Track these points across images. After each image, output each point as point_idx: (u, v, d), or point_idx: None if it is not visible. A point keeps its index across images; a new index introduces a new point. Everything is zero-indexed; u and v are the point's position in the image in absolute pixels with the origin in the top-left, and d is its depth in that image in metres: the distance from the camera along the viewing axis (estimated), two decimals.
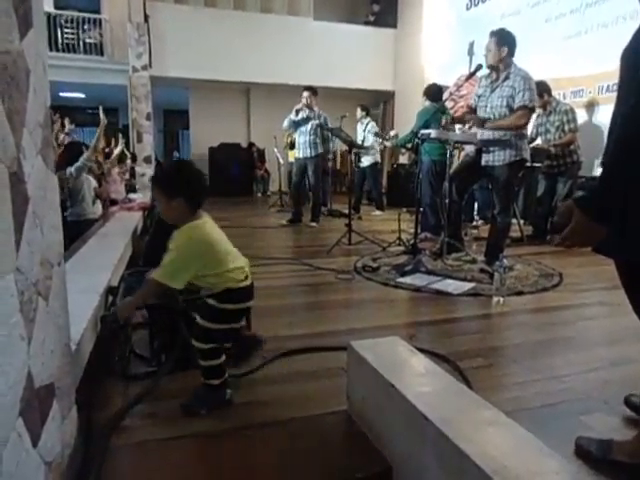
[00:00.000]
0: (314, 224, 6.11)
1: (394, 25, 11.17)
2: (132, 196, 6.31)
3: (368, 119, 7.45)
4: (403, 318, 2.81)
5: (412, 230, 4.26)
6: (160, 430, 1.55)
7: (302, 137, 6.02)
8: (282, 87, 9.98)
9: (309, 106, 5.96)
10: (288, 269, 3.85)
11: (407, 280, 3.42)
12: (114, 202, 5.61)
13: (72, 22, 9.90)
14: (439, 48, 9.39)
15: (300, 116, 5.95)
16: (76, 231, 3.80)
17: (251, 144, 11.51)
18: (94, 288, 2.15)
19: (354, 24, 11.02)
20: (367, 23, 11.42)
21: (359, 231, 4.93)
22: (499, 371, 2.05)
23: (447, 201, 3.89)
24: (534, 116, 4.67)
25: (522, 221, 5.52)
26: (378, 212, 7.39)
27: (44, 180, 1.20)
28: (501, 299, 2.96)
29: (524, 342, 2.37)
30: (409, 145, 5.40)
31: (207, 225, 1.71)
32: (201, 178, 1.75)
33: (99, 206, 4.82)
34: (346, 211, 5.36)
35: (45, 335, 1.14)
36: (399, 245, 4.50)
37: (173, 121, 14.46)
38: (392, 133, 8.41)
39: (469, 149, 4.73)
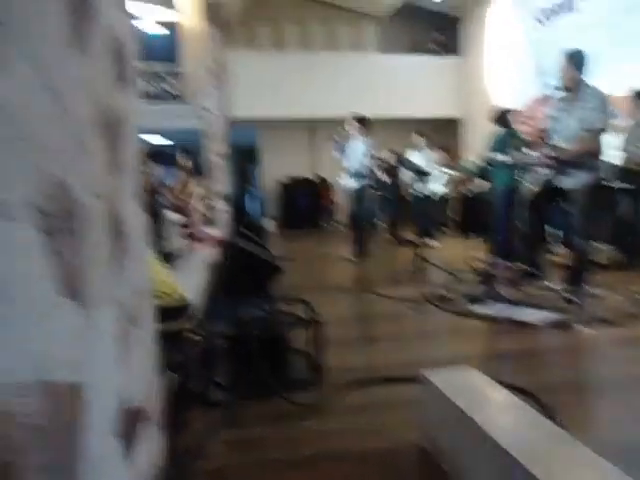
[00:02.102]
0: (351, 257, 6.00)
1: (457, 52, 11.15)
2: (209, 230, 6.65)
3: (425, 147, 7.33)
4: (478, 349, 2.70)
5: (486, 257, 4.12)
6: (238, 456, 1.60)
7: (351, 166, 6.03)
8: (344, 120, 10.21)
9: (351, 135, 5.96)
10: (358, 299, 3.85)
11: (482, 309, 3.30)
12: (193, 237, 5.94)
13: (155, 74, 10.85)
14: (506, 71, 9.22)
15: (340, 147, 6.01)
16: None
17: (318, 177, 11.79)
18: None
19: (418, 54, 11.13)
20: (430, 52, 11.49)
21: (429, 259, 4.84)
22: (587, 407, 1.90)
23: (523, 227, 3.74)
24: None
25: (608, 246, 5.15)
26: (432, 241, 7.13)
27: (136, 218, 1.32)
28: (587, 330, 2.77)
29: (614, 376, 2.19)
30: (479, 171, 5.28)
31: None
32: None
33: (179, 239, 5.13)
34: (415, 239, 5.31)
35: (135, 360, 1.23)
36: (472, 273, 4.36)
37: (245, 158, 15.20)
38: (463, 162, 8.25)
39: (543, 173, 4.54)
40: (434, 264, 4.75)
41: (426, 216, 7.02)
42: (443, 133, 11.95)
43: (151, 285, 1.66)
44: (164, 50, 10.96)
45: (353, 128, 5.96)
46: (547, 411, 1.79)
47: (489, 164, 3.93)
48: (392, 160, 8.16)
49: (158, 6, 10.08)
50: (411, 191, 7.22)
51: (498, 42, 9.56)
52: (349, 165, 5.95)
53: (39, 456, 0.64)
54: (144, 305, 1.36)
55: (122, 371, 1.10)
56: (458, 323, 3.09)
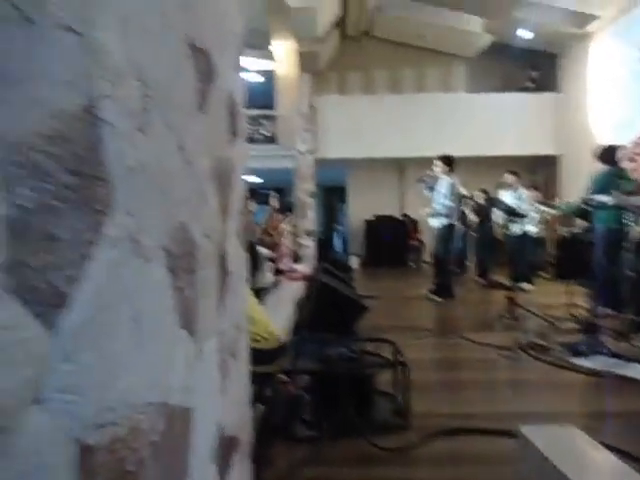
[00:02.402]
0: (434, 297, 5.79)
1: (554, 89, 10.74)
2: (296, 266, 6.85)
3: (519, 186, 7.01)
4: (580, 406, 2.48)
5: (587, 305, 3.82)
6: None
7: (434, 206, 5.97)
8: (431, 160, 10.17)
9: (437, 175, 5.94)
10: (445, 343, 3.73)
11: (584, 362, 3.03)
12: (281, 272, 6.16)
13: (252, 118, 11.66)
14: (610, 107, 8.68)
15: (430, 186, 6.03)
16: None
17: (405, 215, 11.74)
18: None
19: (510, 92, 10.89)
20: (524, 89, 11.18)
21: (523, 304, 4.57)
22: None
23: (631, 272, 3.43)
24: None
25: None
26: (526, 285, 6.67)
27: (239, 257, 1.44)
28: None
29: None
30: (579, 212, 4.96)
31: None
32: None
33: (269, 276, 5.35)
34: (507, 282, 5.05)
35: (233, 391, 1.31)
36: (572, 321, 4.04)
37: (332, 196, 15.59)
38: (558, 201, 7.80)
39: None
40: (529, 309, 4.47)
41: (520, 258, 6.66)
42: (538, 171, 11.43)
43: (248, 324, 1.74)
44: (261, 96, 11.79)
45: (438, 168, 5.94)
46: None
47: (589, 204, 3.69)
48: (481, 199, 7.93)
49: (256, 58, 10.94)
50: (504, 231, 6.92)
51: (600, 76, 9.08)
52: (434, 204, 5.92)
53: (154, 471, 0.72)
54: (241, 338, 1.45)
55: (222, 400, 1.18)
56: (556, 375, 2.86)
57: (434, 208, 5.90)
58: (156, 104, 0.73)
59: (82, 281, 0.50)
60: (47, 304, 0.44)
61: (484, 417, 2.20)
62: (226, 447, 1.23)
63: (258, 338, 1.80)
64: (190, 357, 0.90)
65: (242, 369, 1.46)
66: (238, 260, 1.45)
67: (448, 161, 6.00)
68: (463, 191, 8.41)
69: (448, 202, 5.79)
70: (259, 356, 1.68)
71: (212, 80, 1.10)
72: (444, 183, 5.89)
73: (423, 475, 1.73)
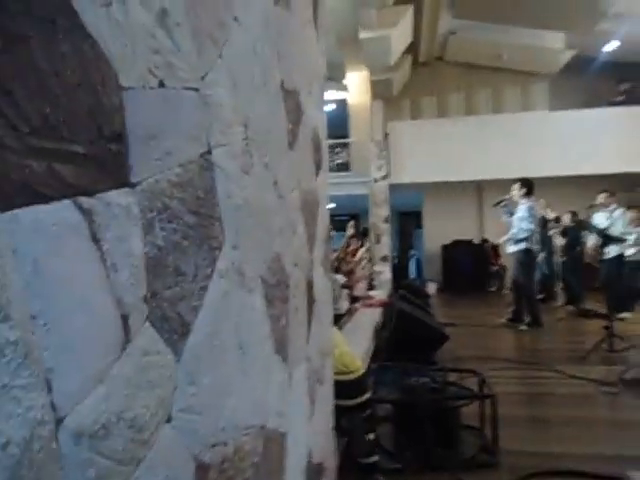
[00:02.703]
0: (522, 327, 5.46)
1: None
2: (372, 293, 6.81)
3: (615, 205, 6.48)
4: None
5: None
6: None
7: (513, 231, 5.70)
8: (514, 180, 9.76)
9: (513, 199, 5.72)
10: (535, 375, 3.50)
11: None
12: (356, 299, 6.15)
13: (328, 147, 11.98)
14: None
15: (509, 211, 5.84)
16: None
17: (484, 240, 11.30)
18: None
19: (597, 107, 10.26)
20: (613, 104, 10.48)
21: (623, 335, 4.19)
22: None
23: None
24: None
25: None
26: (625, 314, 6.06)
27: (324, 284, 1.48)
28: None
29: None
30: None
31: None
32: None
33: (345, 302, 5.37)
34: (602, 310, 4.67)
35: (320, 417, 1.34)
36: None
37: (408, 222, 15.42)
38: None
39: None
40: (632, 342, 4.09)
41: (617, 284, 6.12)
42: (633, 190, 10.56)
43: (334, 357, 1.75)
44: (336, 125, 12.09)
45: (515, 191, 5.78)
46: None
47: None
48: (568, 221, 7.46)
49: (331, 90, 11.27)
50: (597, 256, 6.42)
51: None
52: (513, 229, 5.70)
53: None
54: (326, 365, 1.48)
55: (310, 425, 1.20)
56: None
57: (513, 233, 5.68)
58: (256, 146, 0.80)
59: (201, 311, 0.55)
60: (175, 332, 0.50)
61: (580, 458, 2.03)
62: (314, 473, 1.25)
63: (344, 370, 1.78)
64: (284, 382, 0.94)
65: (327, 395, 1.49)
66: (323, 288, 1.49)
67: (526, 184, 5.80)
68: (548, 214, 7.97)
69: (526, 225, 5.54)
70: (342, 389, 1.67)
71: (300, 119, 1.17)
72: (522, 207, 5.68)
73: None
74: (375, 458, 1.89)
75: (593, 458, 2.04)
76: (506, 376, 3.35)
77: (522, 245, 5.57)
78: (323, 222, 1.51)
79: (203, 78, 0.59)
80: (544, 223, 8.50)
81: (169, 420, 0.48)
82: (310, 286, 1.26)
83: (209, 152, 0.60)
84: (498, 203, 6.18)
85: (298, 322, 1.07)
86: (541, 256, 8.11)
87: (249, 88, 0.76)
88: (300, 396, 1.09)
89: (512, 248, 5.71)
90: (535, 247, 5.80)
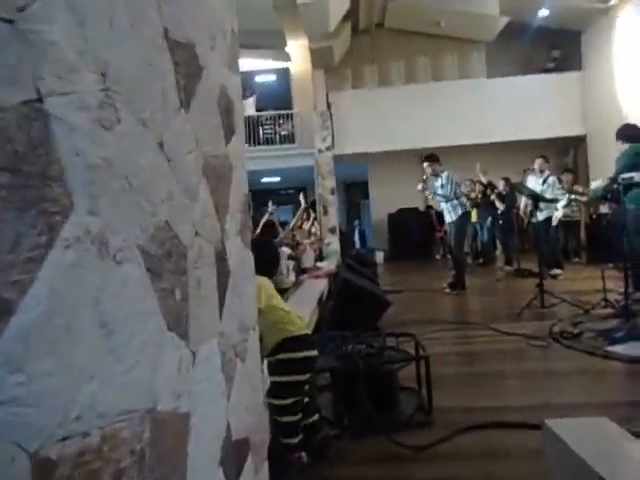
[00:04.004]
0: (448, 290, 5.67)
1: (578, 67, 10.37)
2: (320, 264, 6.81)
3: (548, 172, 6.76)
4: (614, 395, 2.36)
5: (622, 290, 3.65)
6: None
7: (442, 205, 5.93)
8: (458, 148, 9.95)
9: (435, 173, 5.90)
10: (472, 334, 3.62)
11: (619, 349, 2.89)
12: (304, 270, 6.14)
13: (270, 119, 11.69)
14: (638, 81, 8.32)
15: (426, 191, 6.20)
16: None
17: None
18: None
19: (531, 74, 10.56)
20: (546, 70, 10.83)
21: (554, 291, 4.41)
22: None
23: None
24: None
25: None
26: (557, 271, 6.43)
27: (242, 256, 1.41)
28: None
29: None
30: (609, 195, 4.74)
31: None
32: (270, 255, 2.05)
33: (292, 275, 5.33)
34: (536, 270, 4.89)
35: (241, 393, 1.28)
36: (606, 307, 3.88)
37: (354, 193, 15.51)
38: (594, 185, 7.48)
39: None
40: (560, 297, 4.32)
41: (548, 244, 6.43)
42: (566, 153, 11.06)
43: (282, 314, 1.78)
44: (279, 98, 11.81)
45: (429, 169, 5.99)
46: None
47: (619, 184, 3.52)
48: (502, 187, 7.72)
49: (270, 60, 10.95)
50: (531, 219, 6.70)
51: (626, 51, 8.72)
52: (446, 205, 5.91)
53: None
54: (250, 340, 1.42)
55: (229, 403, 1.15)
56: (590, 364, 2.74)
57: (447, 208, 5.84)
58: (124, 99, 0.70)
59: (31, 286, 0.47)
60: None
61: (512, 410, 2.12)
62: (235, 450, 1.21)
63: (295, 321, 1.83)
64: (182, 361, 0.87)
65: (252, 371, 1.44)
66: (243, 260, 1.42)
67: (433, 158, 6.00)
68: (481, 178, 8.28)
69: (452, 192, 5.75)
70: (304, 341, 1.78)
71: (197, 75, 1.07)
72: (443, 180, 5.85)
73: (448, 472, 1.67)
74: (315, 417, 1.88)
75: (522, 409, 2.13)
76: (444, 337, 3.45)
77: (458, 211, 5.74)
78: (239, 190, 1.42)
79: (22, 10, 0.49)
80: (485, 189, 8.77)
81: None
82: (221, 257, 1.18)
83: (39, 100, 0.51)
84: (423, 189, 6.35)
85: (202, 296, 0.99)
86: (488, 221, 8.40)
87: (106, 30, 0.66)
88: (211, 373, 1.03)
89: (449, 217, 5.86)
90: (468, 208, 6.01)
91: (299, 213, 5.33)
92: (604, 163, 8.95)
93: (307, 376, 1.77)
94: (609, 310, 3.77)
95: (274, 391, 1.74)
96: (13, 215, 0.45)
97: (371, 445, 1.90)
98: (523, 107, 9.95)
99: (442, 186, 5.83)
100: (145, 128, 0.77)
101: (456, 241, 5.86)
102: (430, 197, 6.33)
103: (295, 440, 1.70)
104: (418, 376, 2.39)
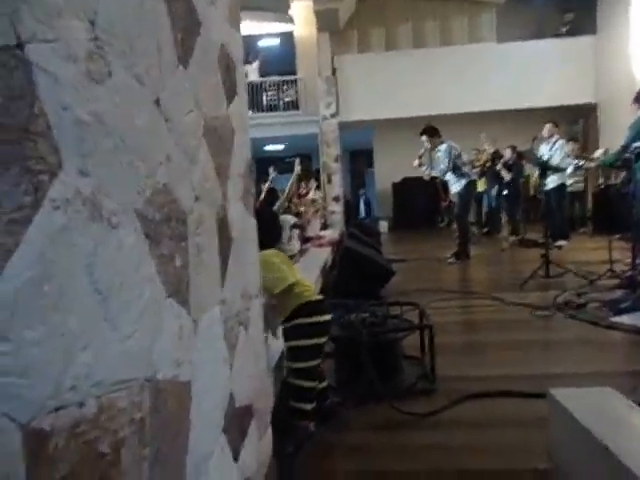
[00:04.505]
0: (451, 259, 5.66)
1: (592, 32, 10.00)
2: (323, 233, 6.79)
3: (556, 137, 6.58)
4: (619, 365, 2.35)
5: (629, 260, 3.61)
6: (345, 461, 1.58)
7: (447, 175, 5.83)
8: (466, 116, 9.74)
9: (434, 147, 5.79)
10: (476, 304, 3.62)
11: (625, 320, 2.88)
12: (308, 239, 6.11)
13: (274, 86, 11.44)
14: None
15: (423, 167, 6.09)
16: None
17: (434, 177, 11.40)
18: None
19: (543, 39, 10.22)
20: (558, 35, 10.46)
21: (559, 262, 4.38)
22: None
23: None
24: None
25: None
26: (562, 242, 6.36)
27: (244, 223, 1.37)
28: None
29: None
30: (619, 163, 4.64)
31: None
32: (272, 223, 2.02)
33: (296, 243, 5.31)
34: (542, 240, 4.84)
35: (245, 360, 1.27)
36: (612, 278, 3.85)
37: (359, 161, 15.33)
38: (598, 153, 7.34)
39: None
40: (565, 267, 4.28)
41: (556, 214, 6.35)
42: (575, 123, 10.82)
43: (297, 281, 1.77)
44: (281, 62, 11.51)
45: (427, 143, 5.87)
46: None
47: (631, 152, 3.43)
48: (509, 155, 7.57)
49: (273, 22, 10.61)
50: (538, 187, 6.60)
51: None
52: (447, 178, 5.83)
53: (144, 450, 0.67)
54: (252, 307, 1.40)
55: (231, 371, 1.14)
56: (595, 334, 2.73)
57: (452, 179, 5.76)
58: (116, 52, 0.65)
59: (15, 250, 0.44)
60: None
61: (515, 380, 2.12)
62: (239, 417, 1.20)
63: (307, 288, 1.82)
64: (183, 329, 0.85)
65: (255, 338, 1.42)
66: (245, 226, 1.39)
67: (432, 131, 5.85)
68: (484, 147, 8.12)
69: (449, 167, 5.65)
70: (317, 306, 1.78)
71: (195, 31, 1.01)
72: (442, 150, 5.73)
73: (450, 439, 1.68)
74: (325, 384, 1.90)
75: (525, 378, 2.13)
76: (448, 306, 3.45)
77: (462, 182, 5.65)
78: (241, 154, 1.37)
79: None
80: (492, 158, 8.62)
81: None
82: (223, 223, 1.15)
83: (19, 46, 0.46)
84: (420, 165, 6.22)
85: (204, 263, 0.96)
86: (494, 190, 8.30)
87: None
88: (212, 342, 1.01)
89: (454, 188, 5.79)
90: (473, 177, 5.91)
91: (292, 180, 5.25)
92: (615, 133, 8.75)
93: (324, 339, 1.78)
94: (615, 281, 3.75)
95: (294, 355, 1.74)
96: None
97: (374, 412, 1.91)
98: (534, 73, 9.66)
99: (441, 160, 5.73)
100: (140, 84, 0.72)
101: (460, 211, 5.81)
102: (427, 173, 6.21)
103: (308, 407, 1.71)
104: (422, 345, 2.39)
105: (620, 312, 3.00)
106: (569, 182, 6.91)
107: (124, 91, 0.66)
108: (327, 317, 1.79)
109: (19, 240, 0.44)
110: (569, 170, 6.72)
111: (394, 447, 1.64)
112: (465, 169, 5.77)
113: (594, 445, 1.15)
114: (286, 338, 1.78)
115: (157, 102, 0.78)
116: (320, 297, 1.82)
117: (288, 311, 1.75)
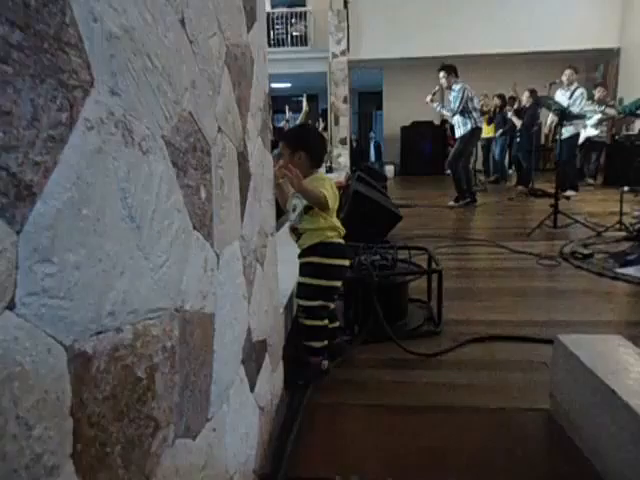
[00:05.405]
0: (452, 203, 5.71)
1: None
2: (329, 175, 6.70)
3: (576, 85, 6.32)
4: (624, 315, 2.39)
5: (637, 213, 3.58)
6: (353, 395, 1.63)
7: (454, 118, 5.68)
8: (479, 58, 9.34)
9: (449, 86, 5.59)
10: (482, 251, 3.63)
11: (630, 271, 2.90)
12: None
13: (282, 18, 10.88)
14: None
15: (434, 103, 5.85)
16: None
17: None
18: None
19: None
20: None
21: (568, 212, 4.35)
22: None
23: None
24: None
25: None
26: (570, 192, 6.27)
27: (263, 158, 1.34)
28: None
29: None
30: (639, 111, 4.49)
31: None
32: (322, 139, 1.91)
33: None
34: (551, 190, 4.79)
35: (261, 296, 1.29)
36: (620, 230, 3.84)
37: (367, 103, 14.88)
38: (611, 103, 7.09)
39: None
40: (573, 218, 4.26)
41: (569, 164, 6.22)
42: (595, 68, 10.38)
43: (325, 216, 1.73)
44: None
45: (444, 80, 5.65)
46: None
47: None
48: (526, 100, 7.32)
49: None
50: (553, 135, 6.42)
51: None
52: (456, 118, 5.67)
53: (175, 376, 0.69)
54: (268, 244, 1.40)
55: (249, 305, 1.15)
56: (600, 284, 2.75)
57: (458, 122, 5.62)
58: None
59: (54, 169, 0.42)
60: (5, 195, 0.37)
61: (519, 325, 2.16)
62: (255, 350, 1.23)
63: (339, 231, 1.78)
64: (208, 262, 0.85)
65: (270, 275, 1.43)
66: (263, 162, 1.36)
67: (450, 69, 5.64)
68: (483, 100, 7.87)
69: (459, 107, 5.50)
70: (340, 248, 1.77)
71: None
72: (455, 90, 5.57)
73: (454, 379, 1.73)
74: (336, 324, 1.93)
75: (529, 324, 2.17)
76: (453, 252, 3.46)
77: (468, 126, 5.55)
78: (260, 87, 1.32)
79: None
80: (503, 104, 8.35)
81: (12, 307, 0.37)
82: (243, 157, 1.12)
83: None
84: (432, 101, 6.00)
85: (225, 197, 0.94)
86: (503, 138, 8.11)
87: None
88: (233, 276, 1.01)
89: (459, 132, 5.66)
90: (480, 124, 5.76)
91: (301, 117, 5.13)
92: (636, 81, 8.43)
93: (337, 283, 1.79)
94: (622, 233, 3.73)
95: (302, 292, 1.76)
96: (29, 84, 0.39)
97: (380, 351, 1.95)
98: (556, 13, 9.15)
99: (453, 99, 5.56)
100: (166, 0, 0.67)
101: (456, 152, 5.71)
102: (437, 110, 6.04)
103: (318, 345, 1.75)
104: (429, 289, 2.41)
105: (626, 264, 3.01)
106: (594, 133, 6.72)
107: (151, 6, 0.62)
108: (344, 262, 1.79)
109: (57, 159, 0.42)
110: (592, 121, 6.51)
111: (401, 384, 1.70)
112: (475, 114, 5.60)
113: (600, 389, 1.18)
114: (300, 272, 1.78)
115: (182, 21, 0.73)
116: (341, 241, 1.80)
117: (305, 245, 1.74)
